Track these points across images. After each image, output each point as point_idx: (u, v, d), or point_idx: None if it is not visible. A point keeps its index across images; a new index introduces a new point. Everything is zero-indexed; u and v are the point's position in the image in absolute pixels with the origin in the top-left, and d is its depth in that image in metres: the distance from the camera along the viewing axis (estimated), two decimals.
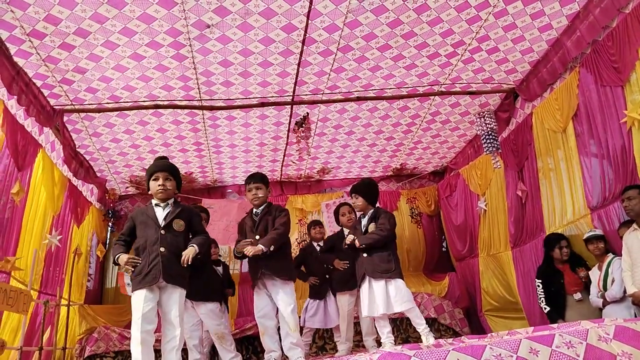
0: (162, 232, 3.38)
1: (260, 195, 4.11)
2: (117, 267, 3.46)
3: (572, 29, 4.45)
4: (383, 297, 4.06)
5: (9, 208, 4.26)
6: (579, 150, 4.71)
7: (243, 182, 7.53)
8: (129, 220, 3.55)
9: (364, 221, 4.40)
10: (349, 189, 7.94)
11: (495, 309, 6.50)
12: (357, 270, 4.31)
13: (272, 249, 3.85)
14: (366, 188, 4.47)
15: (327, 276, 5.27)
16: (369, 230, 4.25)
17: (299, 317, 4.73)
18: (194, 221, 3.60)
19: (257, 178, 4.16)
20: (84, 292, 6.31)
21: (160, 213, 3.47)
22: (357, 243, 4.17)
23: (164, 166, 3.58)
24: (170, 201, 3.55)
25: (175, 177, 3.59)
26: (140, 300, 3.23)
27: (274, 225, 3.99)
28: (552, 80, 5.01)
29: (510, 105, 5.80)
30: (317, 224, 5.76)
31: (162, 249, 3.31)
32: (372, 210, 4.40)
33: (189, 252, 3.35)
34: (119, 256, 3.36)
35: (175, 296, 3.32)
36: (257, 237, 3.95)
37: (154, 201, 3.54)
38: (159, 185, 3.48)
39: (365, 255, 4.19)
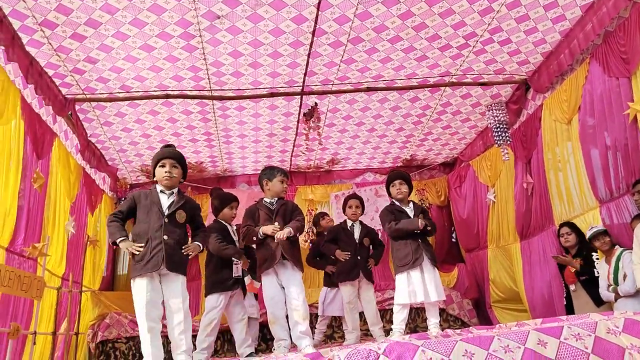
0: (166, 220, 3.38)
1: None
2: (114, 245, 3.45)
3: (585, 20, 4.39)
4: (435, 284, 4.21)
5: (31, 195, 4.33)
6: (585, 142, 4.66)
7: (253, 172, 7.63)
8: (130, 200, 3.50)
9: (409, 210, 4.48)
10: (358, 180, 8.04)
11: (502, 301, 6.51)
12: (408, 255, 4.26)
13: (297, 235, 4.06)
14: (410, 178, 4.66)
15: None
16: (420, 223, 4.28)
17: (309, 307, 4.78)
18: (196, 214, 3.67)
19: (287, 174, 4.38)
20: (100, 279, 6.41)
21: (165, 201, 3.46)
22: (421, 224, 4.26)
23: (171, 153, 3.58)
24: (175, 190, 3.54)
25: (182, 166, 3.60)
26: (143, 288, 3.23)
27: (292, 218, 4.11)
28: (563, 71, 4.97)
29: (521, 97, 5.75)
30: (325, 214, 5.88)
31: (165, 237, 3.32)
32: (412, 203, 4.59)
33: (195, 248, 3.50)
34: (121, 240, 3.33)
35: (178, 283, 3.35)
36: (276, 224, 4.01)
37: (158, 187, 3.52)
38: (166, 172, 3.47)
39: (420, 241, 4.30)
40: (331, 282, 5.39)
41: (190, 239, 3.66)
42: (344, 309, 5.11)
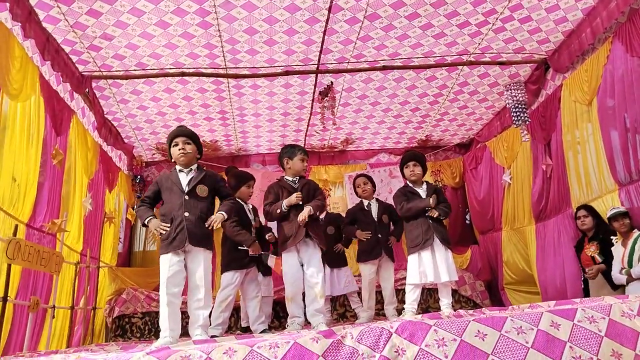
0: (186, 197, 3.45)
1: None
2: (145, 228, 3.55)
3: None
4: (446, 264, 4.23)
5: (50, 171, 4.40)
6: (605, 123, 4.56)
7: (267, 152, 7.64)
8: (154, 185, 3.61)
9: (422, 191, 4.51)
10: (372, 160, 8.00)
11: (515, 283, 6.49)
12: (418, 236, 4.33)
13: (318, 214, 4.07)
14: (424, 159, 4.66)
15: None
16: (431, 201, 4.34)
17: None
18: (219, 186, 3.69)
19: (307, 152, 4.37)
20: (116, 255, 6.52)
21: (184, 178, 3.54)
22: (434, 213, 4.32)
23: (182, 131, 3.65)
24: (194, 167, 3.61)
25: (195, 142, 3.65)
26: (166, 264, 3.33)
27: (314, 197, 4.15)
28: (584, 50, 4.84)
29: (540, 77, 5.64)
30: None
31: (186, 214, 3.40)
32: (425, 183, 4.59)
33: (218, 218, 3.51)
34: (149, 219, 3.46)
35: (200, 258, 3.42)
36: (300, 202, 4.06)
37: (177, 167, 3.60)
38: (180, 149, 3.54)
39: (431, 222, 4.34)
40: None
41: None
42: (362, 288, 5.14)
